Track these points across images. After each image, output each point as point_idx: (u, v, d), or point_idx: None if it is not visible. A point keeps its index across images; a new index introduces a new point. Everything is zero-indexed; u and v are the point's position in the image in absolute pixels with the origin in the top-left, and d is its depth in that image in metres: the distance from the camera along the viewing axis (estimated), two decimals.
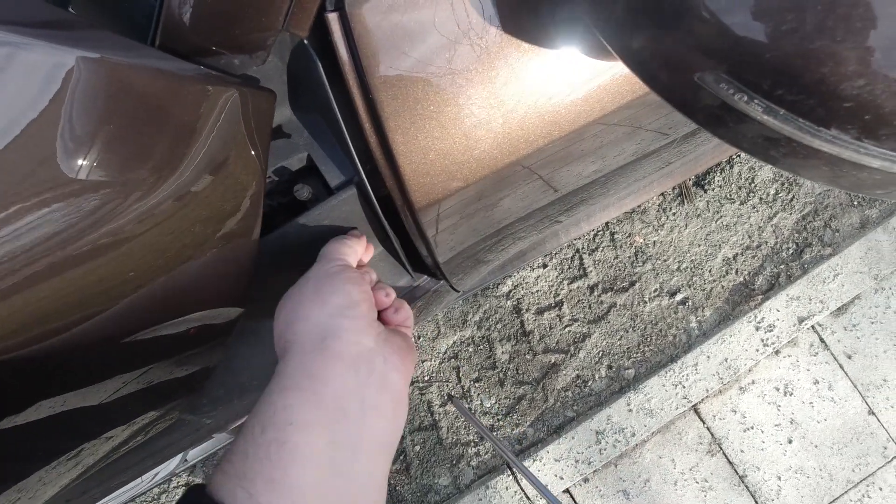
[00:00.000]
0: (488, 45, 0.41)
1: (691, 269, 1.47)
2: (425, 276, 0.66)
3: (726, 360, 1.41)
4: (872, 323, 1.43)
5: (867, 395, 1.40)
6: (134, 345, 0.40)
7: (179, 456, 1.04)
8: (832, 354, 1.42)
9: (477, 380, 1.44)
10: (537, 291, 1.47)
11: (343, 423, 0.31)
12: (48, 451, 0.40)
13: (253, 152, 0.41)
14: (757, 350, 1.41)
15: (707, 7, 0.26)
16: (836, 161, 0.28)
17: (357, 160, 0.45)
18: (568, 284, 1.47)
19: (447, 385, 1.44)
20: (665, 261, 1.47)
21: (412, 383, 1.44)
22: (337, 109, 0.42)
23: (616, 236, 1.48)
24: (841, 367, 1.41)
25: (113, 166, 0.30)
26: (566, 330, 1.46)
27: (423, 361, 1.45)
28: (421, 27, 0.40)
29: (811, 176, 0.32)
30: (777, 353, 1.42)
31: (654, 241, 1.48)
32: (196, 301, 0.42)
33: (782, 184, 1.49)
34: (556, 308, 1.47)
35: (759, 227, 1.48)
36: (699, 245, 1.48)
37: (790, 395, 1.40)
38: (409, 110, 0.42)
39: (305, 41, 0.41)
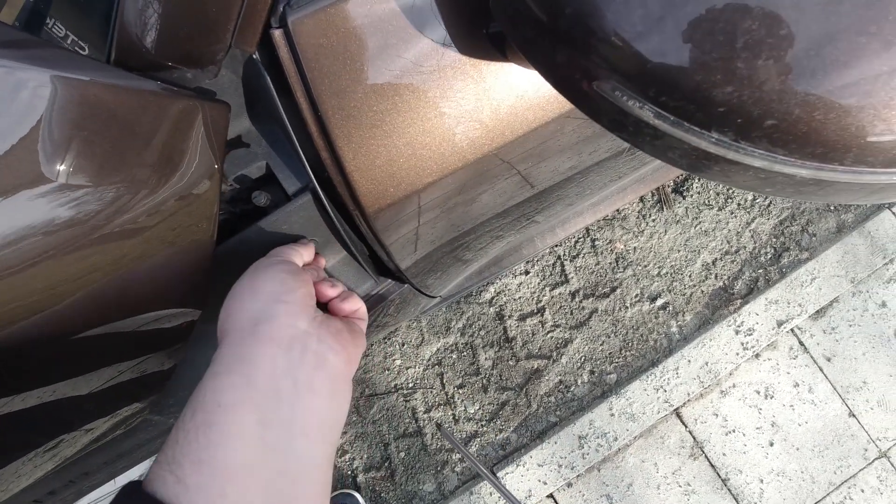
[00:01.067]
0: (433, 55, 0.44)
1: (671, 274, 1.49)
2: (389, 280, 0.68)
3: (707, 363, 1.42)
4: (850, 326, 1.45)
5: (847, 397, 1.41)
6: (93, 342, 0.42)
7: (146, 462, 1.06)
8: (812, 357, 1.43)
9: (461, 386, 1.46)
10: (520, 298, 1.49)
11: (275, 402, 0.32)
12: (27, 441, 0.41)
13: (208, 158, 0.43)
14: (737, 354, 1.43)
15: (599, 26, 0.28)
16: (723, 161, 0.30)
17: (308, 168, 0.47)
18: (550, 291, 1.49)
19: (431, 391, 1.46)
20: (645, 266, 1.50)
21: (397, 390, 1.46)
22: (287, 121, 0.45)
23: (597, 242, 1.51)
24: (821, 369, 1.43)
25: (81, 172, 0.33)
26: (548, 336, 1.48)
27: (406, 368, 1.47)
28: (364, 37, 0.42)
29: (710, 176, 0.34)
30: (757, 356, 1.43)
31: (635, 247, 1.51)
32: (153, 300, 0.45)
33: None
34: (539, 314, 1.48)
35: (738, 232, 1.50)
36: (679, 251, 1.50)
37: (771, 398, 1.42)
38: (355, 119, 0.45)
39: (255, 56, 0.43)
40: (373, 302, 0.69)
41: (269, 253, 0.45)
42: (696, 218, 1.51)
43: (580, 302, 1.49)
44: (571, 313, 1.48)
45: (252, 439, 0.30)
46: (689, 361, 1.43)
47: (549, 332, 1.48)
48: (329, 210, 0.50)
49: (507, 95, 0.48)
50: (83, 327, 0.40)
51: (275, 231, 0.52)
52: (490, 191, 0.59)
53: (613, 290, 1.49)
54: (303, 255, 0.47)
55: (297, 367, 0.34)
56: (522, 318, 1.48)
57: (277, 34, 0.41)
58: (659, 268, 1.50)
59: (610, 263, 1.50)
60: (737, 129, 0.28)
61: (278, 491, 0.30)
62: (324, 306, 0.46)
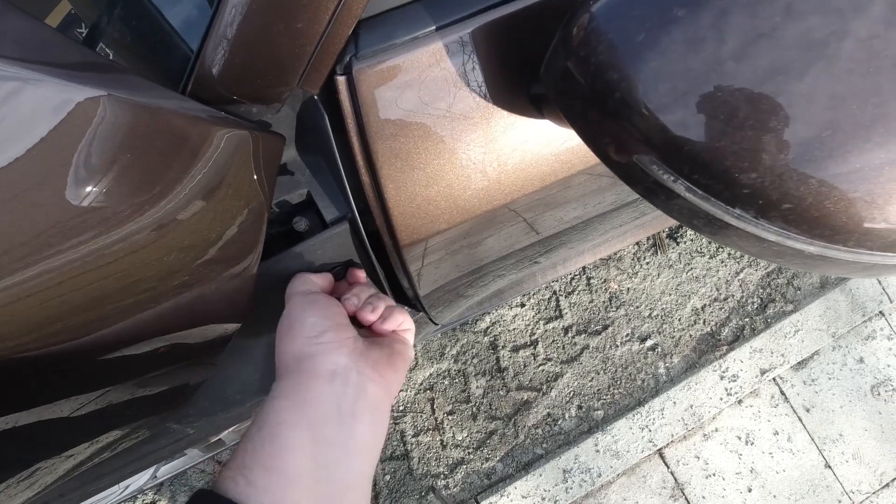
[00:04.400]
0: (476, 109, 0.48)
1: (662, 316, 1.54)
2: (405, 307, 0.71)
3: (692, 406, 1.46)
4: (830, 378, 1.50)
5: (824, 448, 1.46)
6: (135, 355, 0.44)
7: (151, 470, 1.06)
8: (792, 407, 1.48)
9: (450, 412, 1.48)
10: (514, 329, 1.52)
11: (323, 425, 0.36)
12: (53, 445, 0.43)
13: (259, 186, 0.47)
14: (721, 399, 1.47)
15: (645, 111, 0.33)
16: (742, 233, 0.35)
17: (351, 198, 0.51)
18: (544, 324, 1.53)
19: (421, 416, 1.47)
20: (637, 307, 1.54)
21: None
22: (338, 155, 0.48)
23: (592, 281, 1.55)
24: (800, 419, 1.47)
25: (128, 188, 0.36)
26: (540, 368, 1.51)
27: (398, 391, 1.48)
28: (416, 90, 0.47)
29: (726, 243, 0.38)
30: (740, 402, 1.48)
31: (628, 288, 1.55)
32: (196, 316, 0.47)
33: None
34: (532, 346, 1.52)
35: (727, 280, 1.56)
36: (670, 294, 1.55)
37: (751, 444, 1.45)
38: (401, 161, 0.49)
39: (316, 97, 0.47)
40: None
41: (301, 282, 0.49)
42: (689, 264, 1.57)
43: (573, 337, 1.52)
44: (563, 348, 1.52)
45: (307, 454, 0.34)
46: (675, 403, 1.47)
47: (540, 364, 1.51)
48: (364, 239, 0.54)
49: (539, 149, 0.52)
50: (127, 340, 0.43)
51: (311, 255, 0.56)
52: (503, 234, 0.63)
53: (605, 327, 1.53)
54: (319, 284, 0.50)
55: (340, 397, 0.38)
56: (516, 349, 1.51)
57: (341, 80, 0.46)
58: (650, 309, 1.54)
59: (603, 302, 1.55)
60: (757, 209, 0.32)
61: (327, 497, 0.33)
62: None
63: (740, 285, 1.56)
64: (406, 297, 0.70)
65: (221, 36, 0.42)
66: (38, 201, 0.31)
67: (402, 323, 0.49)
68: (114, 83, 0.39)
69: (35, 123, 0.30)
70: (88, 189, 0.32)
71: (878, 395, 1.50)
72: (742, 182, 0.32)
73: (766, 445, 1.46)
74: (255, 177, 0.47)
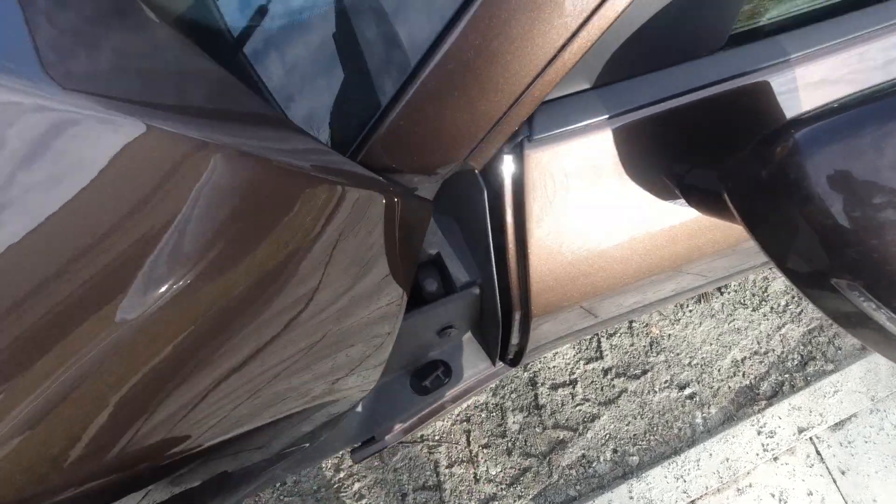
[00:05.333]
0: (631, 197, 0.49)
1: (702, 365, 1.54)
2: (501, 364, 0.72)
3: (727, 459, 1.46)
4: (866, 442, 1.49)
5: None
6: (297, 395, 0.45)
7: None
8: (827, 468, 1.47)
9: (485, 446, 1.47)
10: (554, 367, 1.52)
11: None
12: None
13: (407, 245, 0.48)
14: (757, 454, 1.46)
15: (865, 242, 0.33)
16: None
17: (494, 268, 0.52)
18: (584, 364, 1.53)
19: (456, 447, 1.47)
20: (678, 354, 1.54)
21: (422, 440, 1.47)
22: (490, 230, 0.49)
23: (634, 324, 1.56)
24: (834, 481, 1.47)
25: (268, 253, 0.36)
26: (577, 408, 1.50)
27: (435, 420, 1.48)
28: (580, 174, 0.47)
29: (880, 350, 0.39)
30: (775, 459, 1.47)
31: (670, 334, 1.56)
32: (348, 362, 0.48)
33: (792, 297, 1.59)
34: (570, 386, 1.52)
35: (768, 334, 1.56)
36: (711, 343, 1.55)
37: (784, 502, 1.45)
38: (552, 239, 0.49)
39: (476, 171, 0.48)
40: (481, 381, 0.72)
41: None
42: (731, 315, 1.57)
43: (612, 380, 1.52)
44: (602, 389, 1.52)
45: None
46: (711, 455, 1.46)
47: (578, 404, 1.50)
48: (497, 305, 0.54)
49: (678, 233, 0.53)
50: (298, 382, 0.43)
51: (438, 313, 0.56)
52: (618, 301, 0.63)
53: (645, 372, 1.53)
54: None
55: None
56: (554, 387, 1.51)
57: (508, 159, 0.46)
58: (690, 357, 1.54)
59: (644, 346, 1.55)
60: None
61: None
62: None
63: (781, 340, 1.56)
64: (504, 348, 0.70)
65: (402, 112, 0.43)
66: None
67: None
68: (265, 138, 0.40)
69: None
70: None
71: None
72: None
73: None
74: (400, 238, 0.48)
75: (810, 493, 1.46)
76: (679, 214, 0.52)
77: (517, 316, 0.56)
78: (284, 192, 0.36)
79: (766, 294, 1.58)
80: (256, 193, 0.34)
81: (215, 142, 0.32)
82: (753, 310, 1.58)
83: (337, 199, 0.41)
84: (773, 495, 1.45)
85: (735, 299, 1.58)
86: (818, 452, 1.48)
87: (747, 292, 1.58)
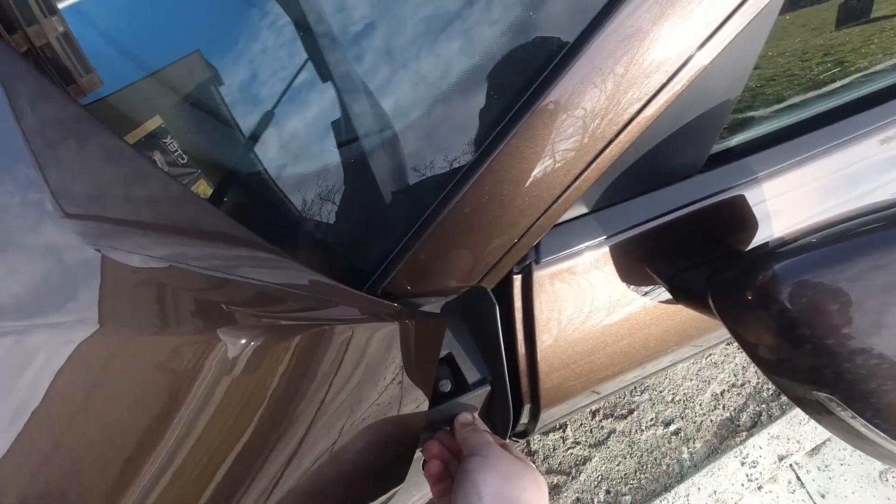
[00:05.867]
0: (628, 304, 0.54)
1: (684, 401, 1.60)
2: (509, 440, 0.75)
3: (715, 492, 1.51)
4: (841, 464, 1.57)
5: None
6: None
7: None
8: (808, 493, 1.54)
9: None
10: (539, 427, 1.56)
11: None
12: None
13: (425, 365, 0.51)
14: (742, 485, 1.52)
15: (840, 365, 0.39)
16: (885, 452, 0.41)
17: (506, 370, 0.56)
18: None
19: None
20: (661, 392, 1.60)
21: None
22: (501, 339, 0.53)
23: None
24: None
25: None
26: (569, 452, 1.54)
27: None
28: (582, 290, 0.52)
29: (856, 445, 0.44)
30: (760, 488, 1.53)
31: (652, 373, 1.62)
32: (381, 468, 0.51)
33: None
34: (561, 430, 1.55)
35: (744, 367, 1.64)
36: (691, 379, 1.62)
37: None
38: (559, 348, 0.54)
39: (488, 289, 0.52)
40: None
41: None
42: (708, 350, 1.65)
43: (600, 421, 1.57)
44: (591, 431, 1.56)
45: None
46: (699, 489, 1.51)
47: (569, 448, 1.54)
48: (509, 402, 0.58)
49: (670, 326, 0.58)
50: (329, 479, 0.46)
51: (452, 410, 0.60)
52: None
53: (631, 412, 1.58)
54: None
55: None
56: (545, 432, 1.55)
57: (517, 279, 0.51)
58: (673, 394, 1.61)
59: (628, 386, 1.60)
60: None
61: None
62: None
63: (756, 372, 1.64)
64: (513, 426, 0.74)
65: (422, 247, 0.47)
66: None
67: None
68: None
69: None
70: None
71: (886, 481, 1.57)
72: None
73: None
74: (417, 357, 0.51)
75: None
76: (669, 309, 0.58)
77: (527, 408, 0.60)
78: (295, 351, 0.37)
79: None
80: (269, 361, 0.35)
81: (215, 330, 0.32)
82: (728, 344, 1.66)
83: (351, 340, 0.42)
84: None
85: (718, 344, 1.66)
86: (798, 478, 1.55)
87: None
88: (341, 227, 0.51)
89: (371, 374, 0.46)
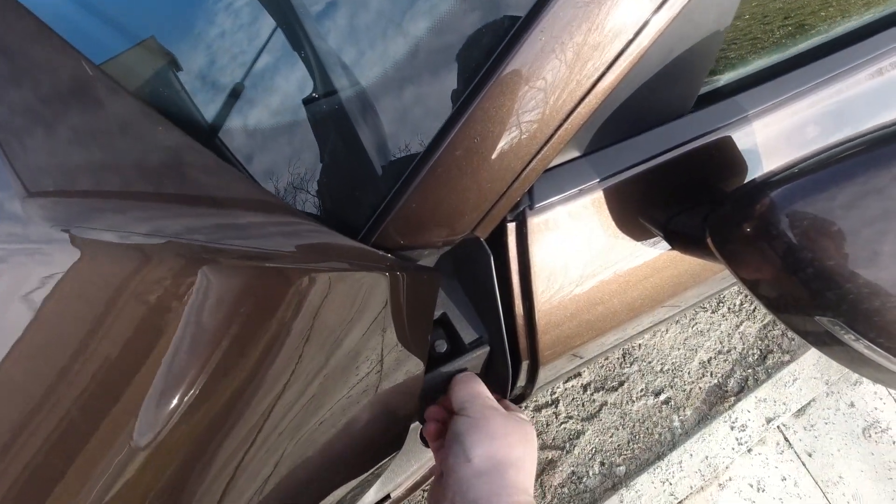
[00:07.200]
0: (624, 248, 0.53)
1: (672, 370, 1.62)
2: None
3: (707, 457, 1.53)
4: (826, 423, 1.61)
5: (827, 491, 1.55)
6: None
7: None
8: (795, 453, 1.58)
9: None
10: (536, 389, 1.56)
11: None
12: None
13: (426, 320, 0.50)
14: (733, 448, 1.55)
15: (841, 285, 0.38)
16: (884, 370, 0.41)
17: (503, 325, 0.55)
18: (563, 383, 1.57)
19: None
20: (650, 363, 1.62)
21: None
22: (496, 289, 0.52)
23: None
24: (804, 464, 1.57)
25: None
26: (562, 427, 1.54)
27: None
28: (576, 235, 0.51)
29: (862, 372, 0.44)
30: (749, 451, 1.56)
31: (640, 344, 1.63)
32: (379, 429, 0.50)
33: (746, 296, 1.70)
34: (553, 405, 1.56)
35: (729, 333, 1.67)
36: (679, 349, 1.64)
37: (763, 491, 1.53)
38: (556, 296, 0.53)
39: (481, 238, 0.51)
40: None
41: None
42: (693, 319, 1.66)
43: (591, 394, 1.58)
44: (583, 405, 1.57)
45: None
46: (691, 455, 1.53)
47: (562, 423, 1.55)
48: (508, 361, 0.57)
49: (667, 273, 0.58)
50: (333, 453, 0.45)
51: (451, 372, 0.59)
52: (615, 336, 0.68)
53: (621, 383, 1.59)
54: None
55: None
56: (538, 408, 1.55)
57: (511, 227, 0.50)
58: (662, 364, 1.62)
59: (618, 359, 1.61)
60: None
61: None
62: None
63: (741, 338, 1.67)
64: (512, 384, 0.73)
65: (413, 196, 0.46)
66: None
67: None
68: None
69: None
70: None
71: (870, 436, 1.62)
72: None
73: (776, 491, 1.54)
74: (414, 310, 0.50)
75: (784, 479, 1.55)
76: (660, 253, 0.57)
77: (524, 366, 0.59)
78: (281, 293, 0.36)
79: (722, 296, 1.69)
80: (250, 301, 0.34)
81: (202, 255, 0.32)
82: (713, 312, 1.68)
83: (340, 286, 0.42)
84: (752, 485, 1.53)
85: (695, 304, 1.67)
86: (786, 439, 1.58)
87: None
88: (328, 181, 0.49)
89: (362, 327, 0.44)
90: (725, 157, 0.53)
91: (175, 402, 0.31)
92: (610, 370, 1.60)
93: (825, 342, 0.42)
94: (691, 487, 1.50)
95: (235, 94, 0.53)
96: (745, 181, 0.55)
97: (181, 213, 0.38)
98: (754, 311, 1.69)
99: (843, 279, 0.39)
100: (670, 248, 0.56)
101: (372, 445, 0.51)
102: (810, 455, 1.58)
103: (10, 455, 0.26)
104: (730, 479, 1.53)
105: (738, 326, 1.67)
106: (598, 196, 0.50)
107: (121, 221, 0.34)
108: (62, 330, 0.27)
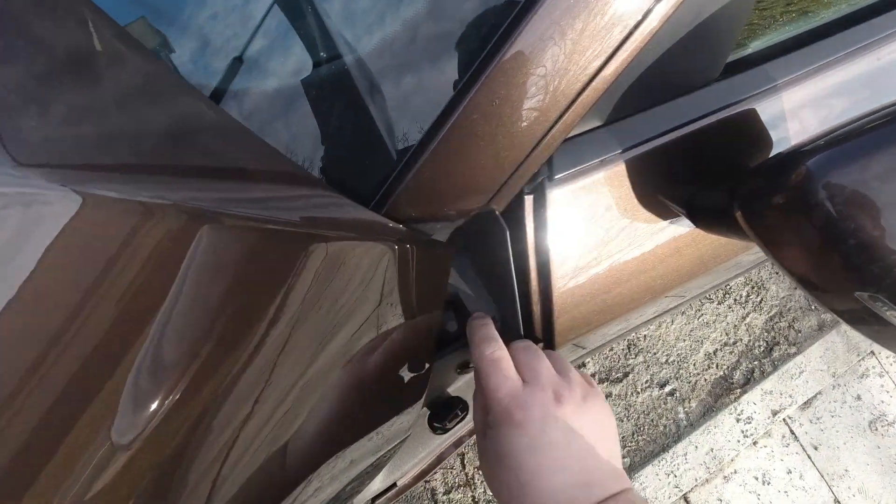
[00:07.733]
0: (645, 224, 0.51)
1: (678, 362, 1.60)
2: None
3: (712, 450, 1.51)
4: (832, 416, 1.59)
5: (833, 484, 1.53)
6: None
7: None
8: (801, 446, 1.56)
9: (480, 467, 1.46)
10: None
11: None
12: None
13: (436, 295, 0.48)
14: (738, 441, 1.53)
15: (890, 252, 0.36)
16: None
17: (518, 304, 0.52)
18: None
19: (451, 472, 1.45)
20: (655, 354, 1.60)
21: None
22: (513, 269, 0.50)
23: None
24: (809, 457, 1.55)
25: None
26: None
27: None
28: (598, 208, 0.49)
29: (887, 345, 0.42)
30: (755, 443, 1.54)
31: (645, 335, 1.61)
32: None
33: (752, 287, 1.68)
34: None
35: (735, 325, 1.64)
36: (684, 340, 1.62)
37: (768, 484, 1.52)
38: (574, 272, 0.50)
39: (496, 210, 0.49)
40: None
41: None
42: (699, 310, 1.64)
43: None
44: None
45: None
46: (696, 447, 1.51)
47: None
48: (521, 330, 0.55)
49: (689, 252, 0.55)
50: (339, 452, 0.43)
51: (461, 353, 0.56)
52: (634, 317, 0.66)
53: (626, 375, 1.57)
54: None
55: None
56: None
57: (529, 199, 0.47)
58: (667, 356, 1.60)
59: (623, 350, 1.59)
60: None
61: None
62: None
63: (747, 329, 1.64)
64: None
65: (427, 164, 0.43)
66: None
67: None
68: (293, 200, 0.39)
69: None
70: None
71: (876, 430, 1.60)
72: None
73: (781, 484, 1.52)
74: (426, 283, 0.48)
75: (789, 472, 1.53)
76: (682, 232, 0.55)
77: (540, 347, 0.56)
78: (289, 258, 0.34)
79: (728, 288, 1.67)
80: (254, 265, 0.32)
81: (197, 209, 0.29)
82: (719, 303, 1.66)
83: (350, 255, 0.40)
84: (757, 478, 1.52)
85: (701, 295, 1.65)
86: (792, 432, 1.57)
87: None
88: (338, 148, 0.47)
89: (370, 300, 0.42)
90: (751, 131, 0.50)
91: (175, 374, 0.29)
92: (615, 361, 1.58)
93: (863, 319, 0.40)
94: (696, 480, 1.49)
95: (234, 70, 0.50)
96: (770, 156, 0.52)
97: (191, 185, 0.35)
98: (761, 302, 1.67)
99: (888, 251, 0.36)
100: (693, 226, 0.53)
101: (375, 430, 0.49)
102: (816, 448, 1.56)
103: None
104: (735, 472, 1.52)
105: (744, 318, 1.65)
106: (620, 168, 0.48)
107: (124, 187, 0.31)
108: (51, 281, 0.25)
